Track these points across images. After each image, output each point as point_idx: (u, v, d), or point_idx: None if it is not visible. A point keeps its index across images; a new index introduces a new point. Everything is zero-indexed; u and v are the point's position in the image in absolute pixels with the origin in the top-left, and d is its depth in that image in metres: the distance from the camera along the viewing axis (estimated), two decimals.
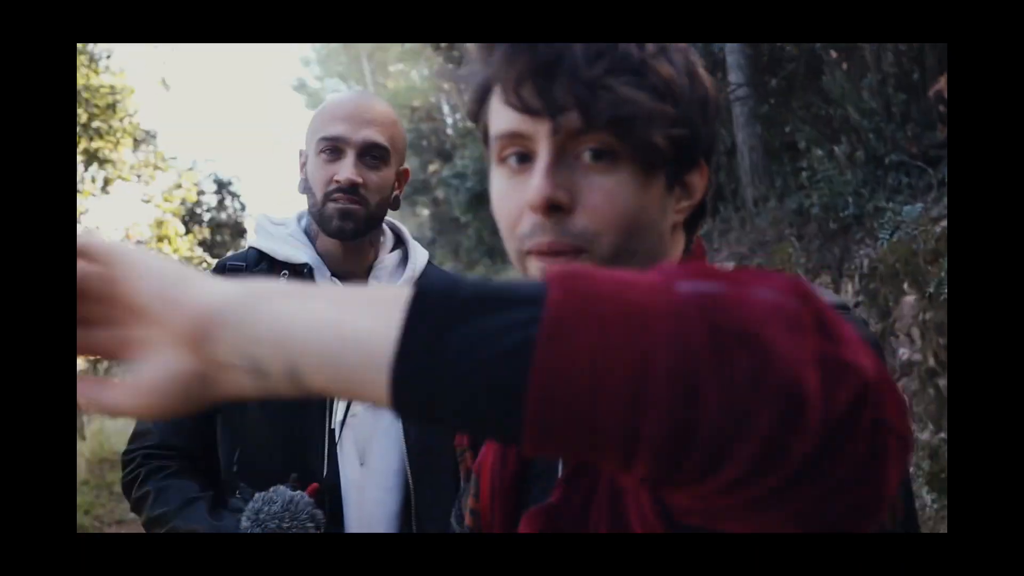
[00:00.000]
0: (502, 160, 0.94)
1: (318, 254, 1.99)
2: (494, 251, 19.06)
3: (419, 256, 2.10)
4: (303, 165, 2.01)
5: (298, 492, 1.74)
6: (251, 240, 2.07)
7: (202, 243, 12.78)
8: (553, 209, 0.88)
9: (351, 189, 1.89)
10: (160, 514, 1.82)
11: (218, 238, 15.46)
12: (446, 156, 22.16)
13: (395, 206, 2.04)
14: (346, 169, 1.88)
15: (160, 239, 11.84)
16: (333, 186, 1.89)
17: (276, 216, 2.11)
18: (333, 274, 1.97)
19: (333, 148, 1.90)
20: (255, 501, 1.72)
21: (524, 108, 0.87)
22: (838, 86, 6.04)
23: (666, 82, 0.88)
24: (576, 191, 0.88)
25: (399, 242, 2.14)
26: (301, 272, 1.94)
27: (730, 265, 4.71)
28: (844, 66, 6.70)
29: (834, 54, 6.64)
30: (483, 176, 17.72)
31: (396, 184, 2.01)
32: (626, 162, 0.88)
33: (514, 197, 0.92)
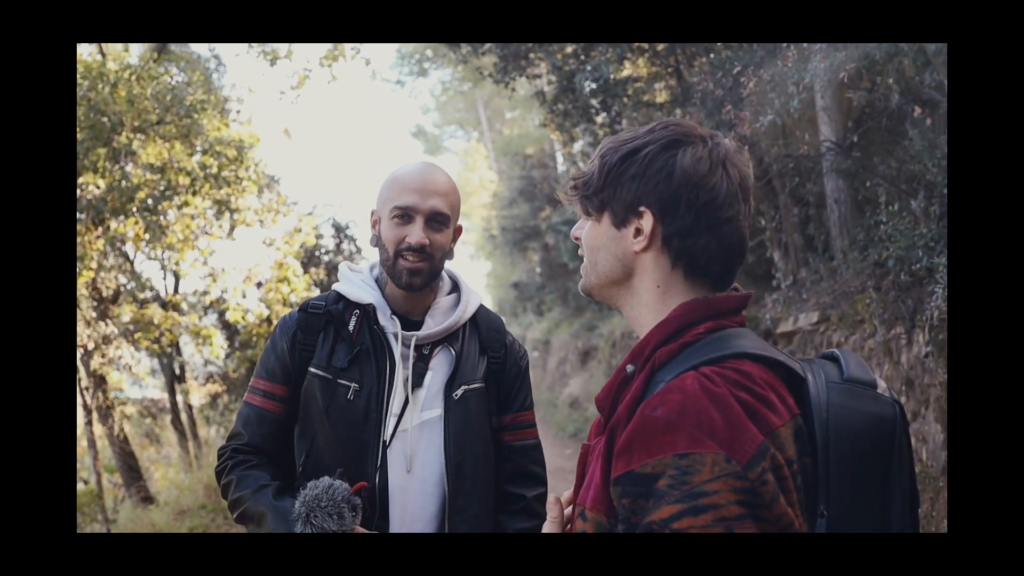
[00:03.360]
0: None
1: (385, 296, 2.43)
2: None
3: (472, 300, 2.53)
4: (375, 223, 2.45)
5: (339, 482, 2.17)
6: (335, 284, 2.51)
7: (318, 284, 13.39)
8: (576, 238, 1.65)
9: (419, 249, 2.31)
10: (239, 496, 2.32)
11: (334, 279, 16.10)
12: (556, 203, 22.49)
13: (451, 256, 2.47)
14: (415, 233, 2.32)
15: (280, 280, 12.48)
16: (404, 246, 2.32)
17: (355, 265, 2.56)
18: (393, 312, 2.42)
19: (404, 215, 2.33)
20: (305, 488, 2.18)
21: None
22: (919, 142, 6.22)
23: (601, 165, 1.56)
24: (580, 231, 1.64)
25: (455, 287, 2.57)
26: (367, 310, 2.40)
27: (815, 317, 4.80)
28: (928, 122, 6.86)
29: (917, 110, 6.80)
30: None
31: (452, 239, 2.44)
32: (587, 215, 1.60)
33: None
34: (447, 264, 2.51)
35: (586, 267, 1.62)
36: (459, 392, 2.41)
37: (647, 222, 1.53)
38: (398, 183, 2.38)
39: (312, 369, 2.38)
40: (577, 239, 1.64)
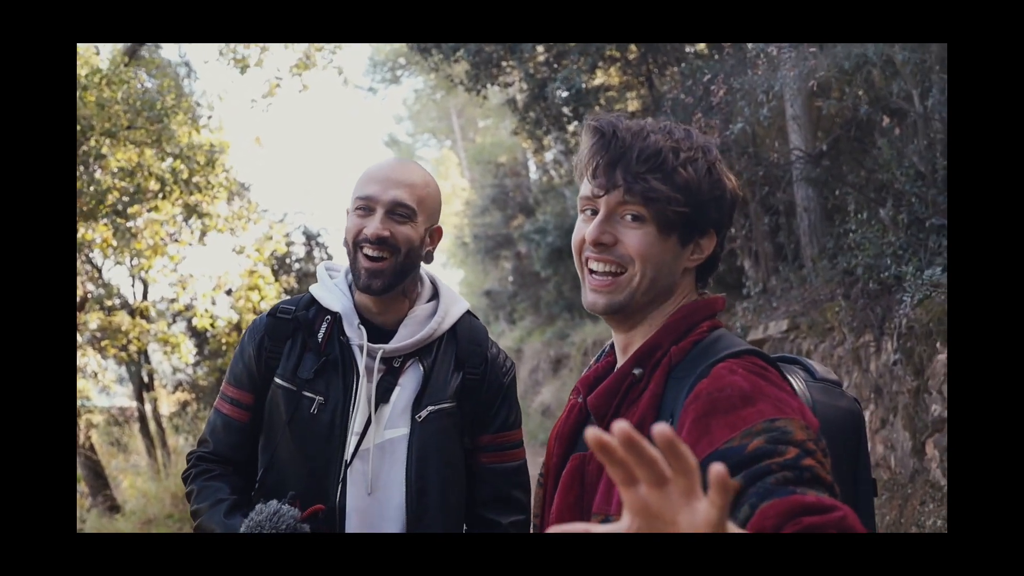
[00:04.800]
0: (582, 210, 1.56)
1: (355, 302, 2.26)
2: (573, 305, 19.24)
3: (452, 310, 2.32)
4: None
5: (285, 506, 2.02)
6: (312, 286, 2.34)
7: (288, 291, 13.30)
8: (599, 244, 1.50)
9: (378, 241, 2.13)
10: (196, 508, 2.22)
11: (304, 286, 16.03)
12: (529, 211, 22.53)
13: (428, 260, 2.29)
14: (373, 224, 2.14)
15: (250, 288, 12.39)
16: (362, 237, 2.15)
17: (333, 264, 2.41)
18: (366, 321, 2.24)
19: (365, 207, 2.16)
20: (253, 511, 2.04)
21: (594, 184, 1.50)
22: (887, 151, 6.28)
23: (685, 181, 1.46)
24: (617, 235, 1.49)
25: (436, 294, 2.36)
26: (337, 318, 2.23)
27: (785, 324, 4.83)
28: (896, 131, 6.92)
29: (886, 119, 6.86)
30: (563, 232, 17.99)
31: (428, 240, 2.26)
32: (650, 223, 1.48)
33: (583, 234, 1.53)
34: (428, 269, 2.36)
35: (633, 281, 1.50)
36: (423, 413, 2.22)
37: (709, 242, 1.56)
38: (365, 175, 2.22)
39: (277, 379, 2.23)
40: (603, 244, 1.50)
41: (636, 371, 1.49)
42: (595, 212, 1.52)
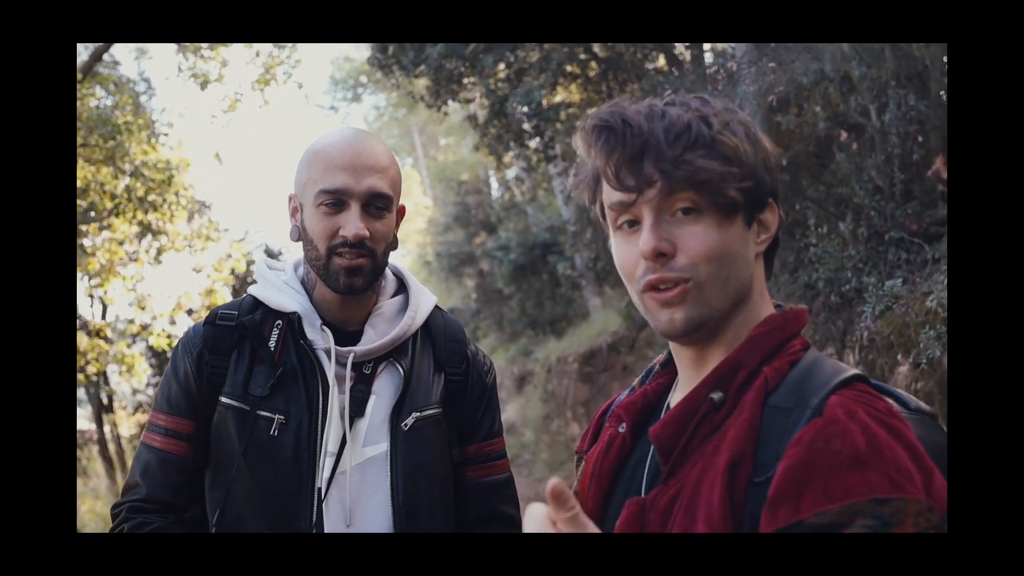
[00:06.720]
0: (618, 227, 1.27)
1: (314, 302, 1.95)
2: (536, 322, 19.23)
3: (423, 303, 2.04)
4: (295, 211, 1.96)
5: None
6: (251, 287, 2.02)
7: None
8: (659, 256, 1.20)
9: (358, 244, 1.84)
10: None
11: None
12: (491, 228, 22.53)
13: (394, 246, 1.98)
14: (352, 224, 1.83)
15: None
16: (339, 240, 1.84)
17: (275, 262, 2.08)
18: (325, 323, 1.93)
19: (335, 201, 1.84)
20: None
21: (623, 188, 1.21)
22: (846, 165, 6.33)
23: (733, 149, 1.20)
24: (674, 239, 1.20)
25: (401, 287, 2.09)
26: (291, 320, 1.92)
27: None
28: (854, 146, 6.98)
29: (843, 135, 6.92)
30: (526, 249, 18.04)
31: (395, 224, 1.98)
32: (708, 212, 1.20)
33: (631, 252, 1.24)
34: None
35: (704, 289, 1.21)
36: (409, 421, 1.93)
37: (772, 215, 1.28)
38: (323, 159, 1.88)
39: (224, 399, 1.90)
40: (664, 254, 1.20)
41: (714, 396, 1.22)
42: (633, 222, 1.24)
